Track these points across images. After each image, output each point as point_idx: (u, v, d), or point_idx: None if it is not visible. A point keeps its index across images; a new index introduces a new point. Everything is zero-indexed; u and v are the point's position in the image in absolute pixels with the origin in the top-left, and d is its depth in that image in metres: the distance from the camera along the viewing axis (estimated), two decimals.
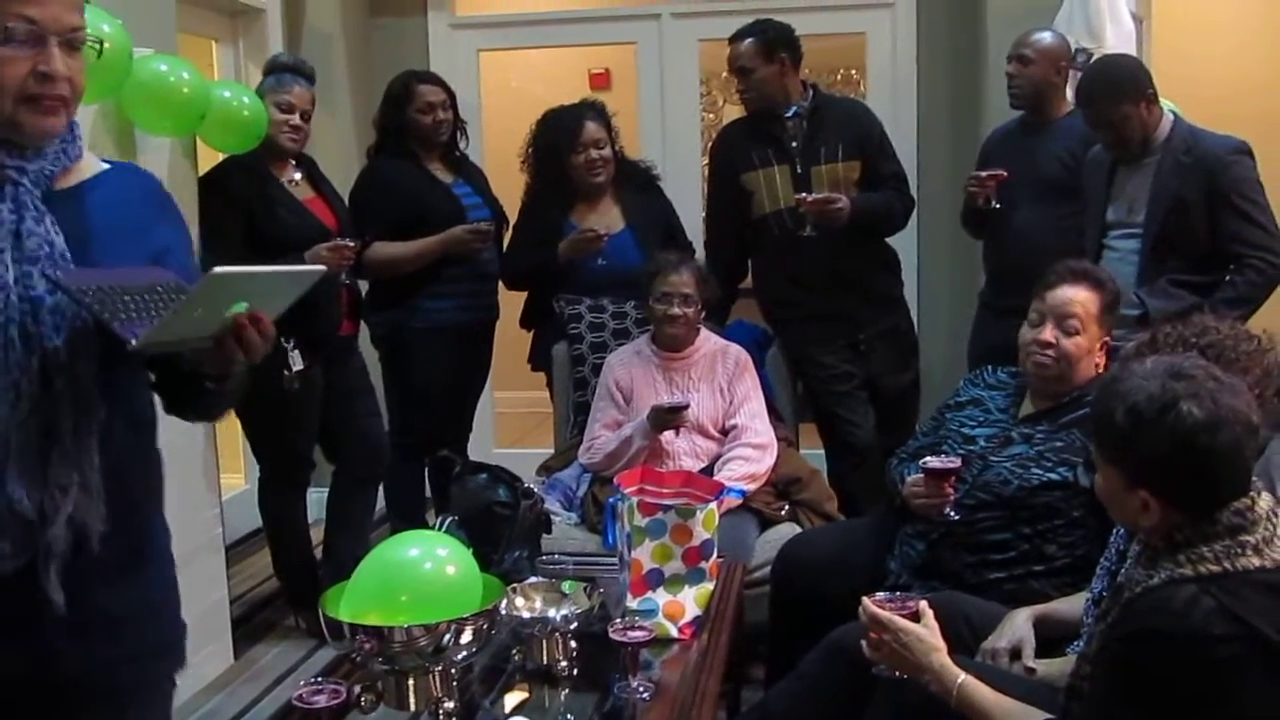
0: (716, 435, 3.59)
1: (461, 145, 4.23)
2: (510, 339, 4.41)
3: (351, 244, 3.60)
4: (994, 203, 3.84)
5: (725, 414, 3.60)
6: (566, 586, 2.53)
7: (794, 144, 3.91)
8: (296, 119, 3.66)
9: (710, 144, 4.51)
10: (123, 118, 3.19)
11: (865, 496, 3.80)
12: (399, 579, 2.15)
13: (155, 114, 3.19)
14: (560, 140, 3.97)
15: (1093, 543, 2.69)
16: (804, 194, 3.76)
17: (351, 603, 2.18)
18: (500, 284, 4.25)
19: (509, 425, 6.00)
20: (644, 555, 2.60)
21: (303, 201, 3.74)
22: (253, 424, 3.78)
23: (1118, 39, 4.22)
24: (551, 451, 4.14)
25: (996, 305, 3.91)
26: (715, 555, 2.66)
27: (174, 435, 3.25)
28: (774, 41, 3.88)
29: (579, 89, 7.10)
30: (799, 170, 3.90)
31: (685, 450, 3.55)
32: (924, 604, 2.19)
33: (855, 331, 3.97)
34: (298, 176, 3.79)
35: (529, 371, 4.29)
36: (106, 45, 2.76)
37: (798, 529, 3.44)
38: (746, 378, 3.63)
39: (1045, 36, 3.92)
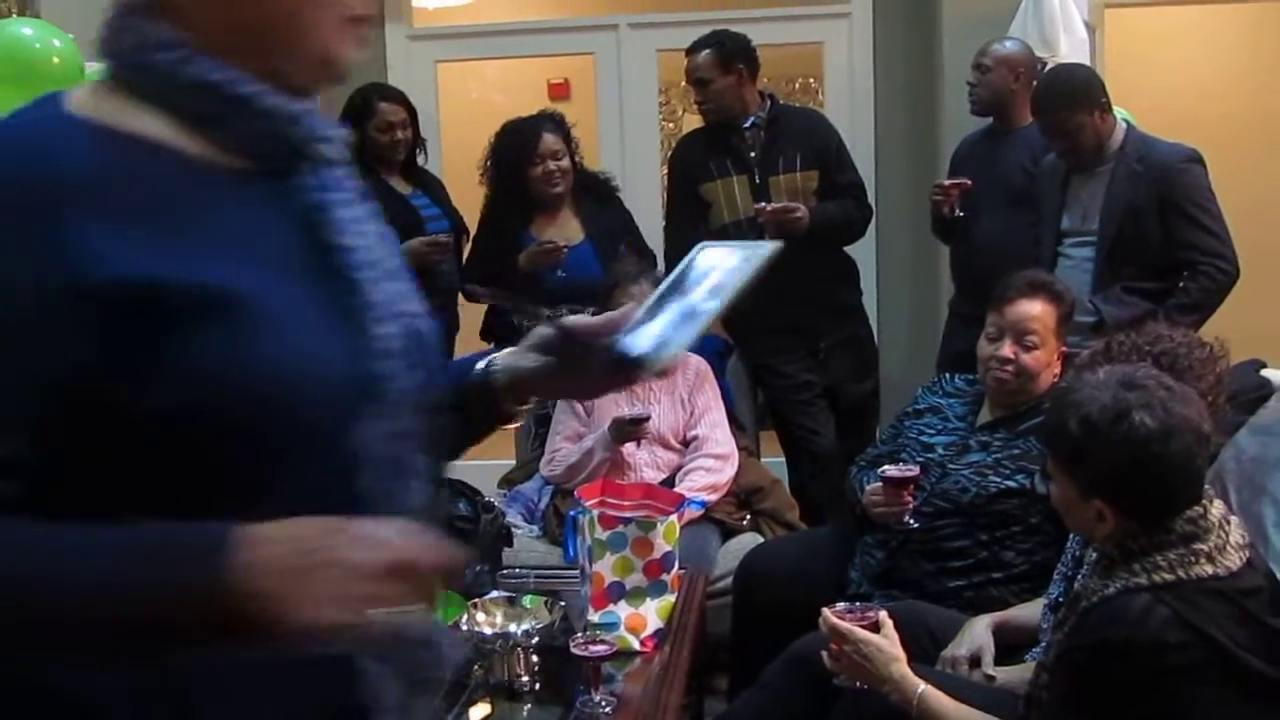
0: (677, 446, 3.59)
1: (420, 160, 4.22)
2: (468, 350, 4.39)
3: None
4: (957, 211, 3.86)
5: (686, 425, 3.60)
6: (527, 601, 2.53)
7: (752, 154, 3.93)
8: None
9: (669, 154, 4.52)
10: None
11: (827, 505, 3.81)
12: None
13: None
14: (518, 152, 3.96)
15: (1050, 549, 2.71)
16: (763, 204, 3.76)
17: None
18: (458, 297, 4.24)
19: None
20: (605, 568, 2.59)
21: None
22: None
23: (1071, 48, 4.26)
24: (512, 463, 4.13)
25: (964, 313, 3.93)
26: (677, 567, 2.66)
27: None
28: (731, 53, 3.89)
29: (538, 99, 7.09)
30: (757, 180, 3.91)
31: (646, 462, 3.55)
32: (884, 614, 2.20)
33: (815, 341, 3.99)
34: None
35: None
36: (56, 60, 2.79)
37: (760, 539, 3.44)
38: (707, 388, 3.63)
39: (1005, 45, 3.96)
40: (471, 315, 4.28)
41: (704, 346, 3.80)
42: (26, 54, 2.72)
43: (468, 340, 4.29)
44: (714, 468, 3.52)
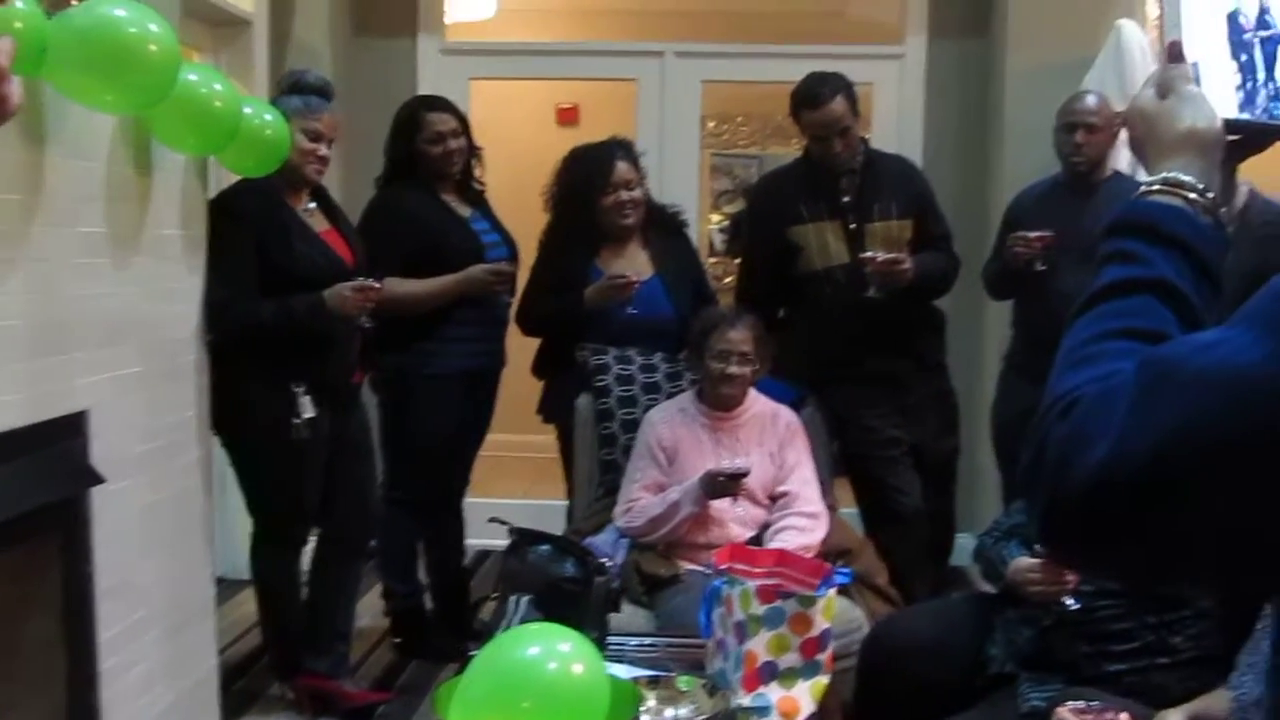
0: (765, 502, 3.36)
1: (478, 173, 3.95)
2: (517, 386, 4.12)
3: (377, 285, 3.29)
4: (1039, 265, 3.71)
5: (775, 480, 3.37)
6: (682, 683, 2.27)
7: (845, 199, 3.73)
8: (324, 148, 3.34)
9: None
10: (142, 130, 2.83)
11: (912, 568, 3.61)
12: (519, 681, 1.89)
13: (183, 128, 2.85)
14: (590, 180, 3.72)
15: (1220, 636, 2.54)
16: (871, 254, 3.57)
17: (464, 710, 1.90)
18: (507, 330, 3.97)
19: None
20: (759, 646, 2.35)
21: (319, 234, 3.41)
22: (255, 474, 3.40)
23: None
24: (564, 504, 3.88)
25: (1032, 369, 3.75)
26: (832, 646, 2.42)
27: (168, 488, 2.96)
28: (854, 95, 3.71)
29: (545, 123, 6.89)
30: (851, 226, 3.71)
31: (734, 518, 3.30)
32: (1125, 716, 1.98)
33: (904, 396, 3.79)
34: (312, 206, 3.47)
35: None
36: (153, 49, 2.48)
37: (847, 602, 3.22)
38: (798, 442, 3.41)
39: (1101, 100, 3.81)
40: (522, 347, 4.01)
41: (778, 395, 3.58)
42: (119, 41, 2.41)
43: (518, 374, 4.03)
44: (806, 527, 3.29)
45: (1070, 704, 2.04)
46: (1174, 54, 1.00)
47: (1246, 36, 1.02)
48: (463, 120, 3.91)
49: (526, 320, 3.84)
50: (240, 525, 3.88)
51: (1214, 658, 2.53)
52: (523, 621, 2.54)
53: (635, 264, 3.77)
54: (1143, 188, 0.99)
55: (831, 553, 3.35)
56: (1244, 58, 1.01)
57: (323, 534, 3.62)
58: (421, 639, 4.00)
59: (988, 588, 2.91)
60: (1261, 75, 1.02)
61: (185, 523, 3.08)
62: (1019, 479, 0.90)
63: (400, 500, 3.88)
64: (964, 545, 4.05)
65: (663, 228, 3.90)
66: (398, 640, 4.05)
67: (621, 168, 3.72)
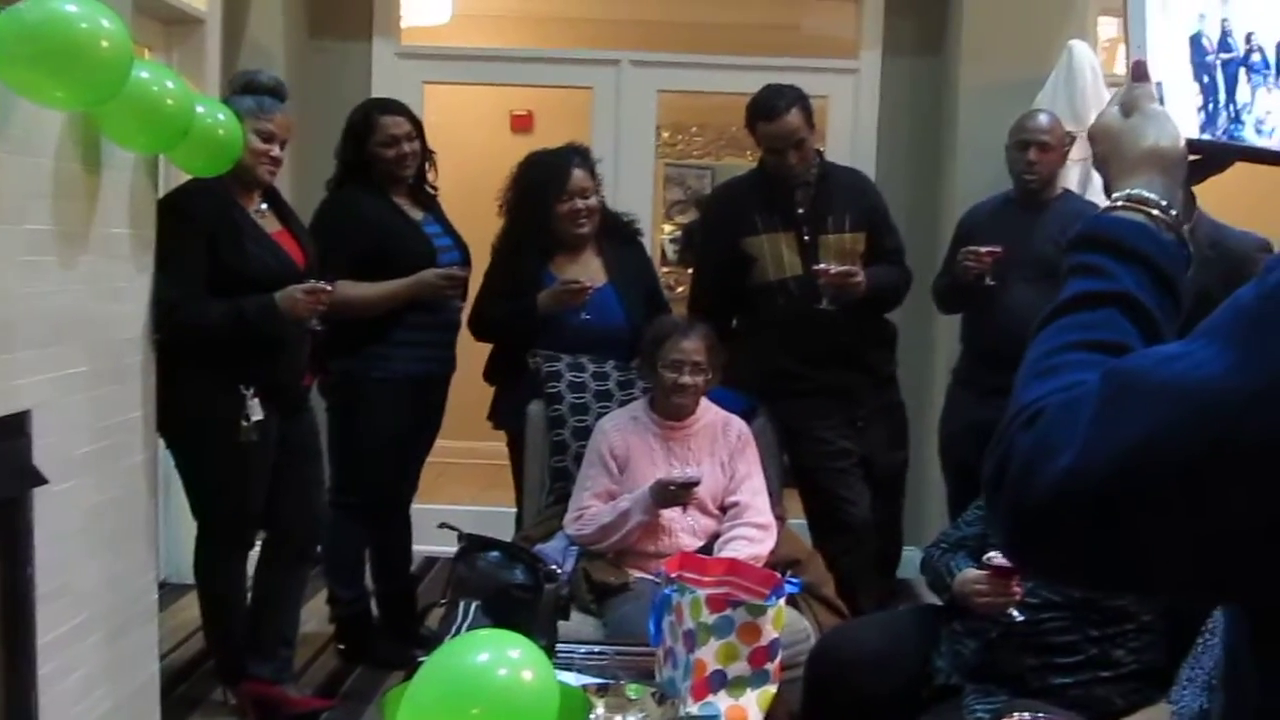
0: (715, 512, 3.36)
1: (431, 177, 3.93)
2: (467, 391, 4.11)
3: (329, 287, 3.26)
4: (989, 279, 3.74)
5: (726, 490, 3.38)
6: (632, 691, 2.27)
7: (800, 211, 3.75)
8: (277, 149, 3.31)
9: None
10: (92, 127, 2.79)
11: (860, 579, 3.63)
12: (468, 688, 1.88)
13: (133, 126, 2.81)
14: (545, 186, 3.71)
15: (1162, 650, 2.57)
16: (825, 266, 3.59)
17: (412, 716, 1.89)
18: (458, 335, 3.95)
19: None
20: (708, 655, 2.36)
21: (270, 235, 3.38)
22: (201, 476, 3.35)
23: None
24: (513, 511, 3.86)
25: (980, 383, 3.81)
26: (781, 656, 2.43)
27: (113, 490, 2.91)
28: (809, 107, 3.73)
29: (499, 129, 6.87)
30: (806, 238, 3.73)
31: (684, 527, 3.31)
32: None
33: (855, 408, 3.81)
34: (264, 207, 3.44)
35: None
36: (105, 45, 2.45)
37: (795, 613, 3.23)
38: (749, 452, 3.42)
39: (1053, 119, 3.85)
40: (472, 352, 3.99)
41: (729, 405, 3.59)
42: (70, 36, 2.38)
43: (468, 379, 4.01)
44: (756, 537, 3.30)
45: (1015, 716, 2.06)
46: (1138, 73, 1.02)
47: (1209, 59, 1.04)
48: (416, 124, 3.90)
49: (479, 325, 3.83)
50: (185, 528, 3.83)
51: (1155, 671, 2.57)
52: (471, 628, 2.53)
53: (589, 271, 3.77)
54: (1107, 203, 1.00)
55: (780, 563, 3.36)
56: (1206, 79, 1.03)
57: (268, 538, 3.58)
58: (367, 645, 3.97)
59: (935, 599, 2.93)
60: (1222, 97, 1.04)
61: (129, 525, 3.04)
62: (983, 488, 0.91)
63: (347, 505, 3.85)
64: (911, 557, 4.09)
65: (617, 236, 3.90)
66: (342, 646, 4.01)
67: (577, 175, 3.71)
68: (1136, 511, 0.78)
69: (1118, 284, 0.94)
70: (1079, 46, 4.37)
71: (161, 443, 3.30)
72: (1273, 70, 1.05)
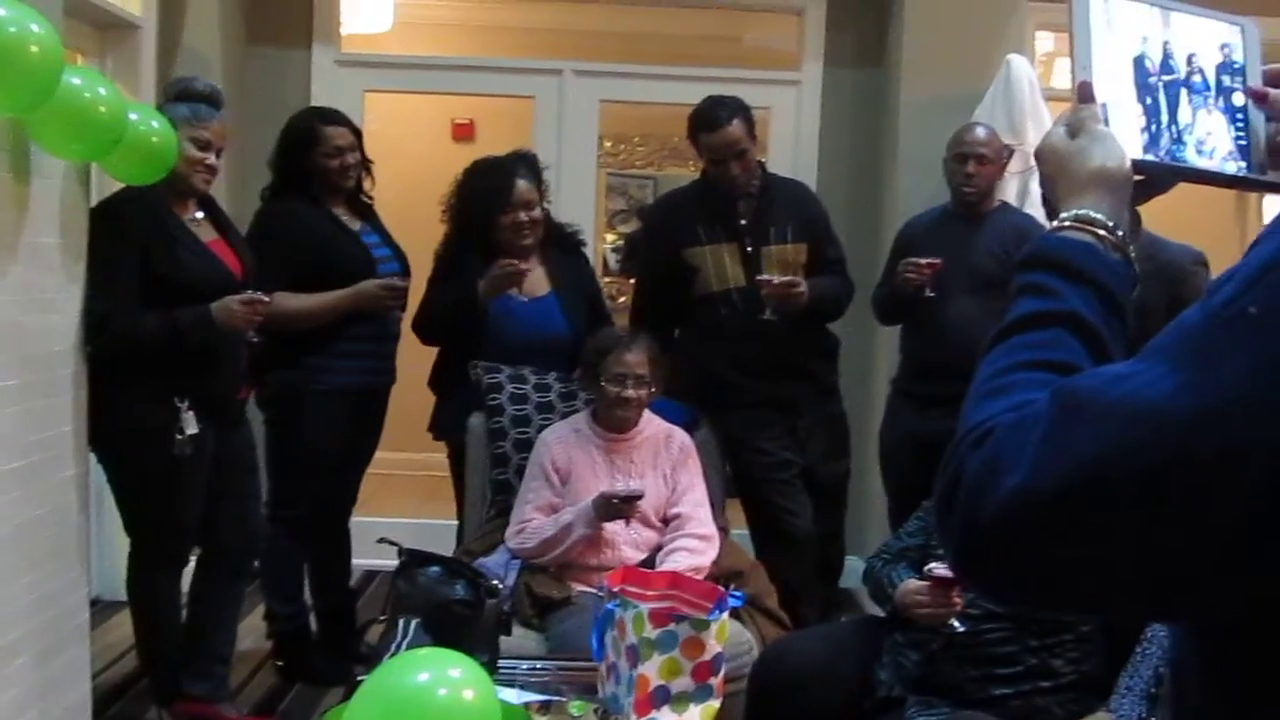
0: (657, 525, 3.35)
1: (368, 186, 3.89)
2: (409, 401, 4.07)
3: (266, 298, 3.21)
4: (928, 291, 3.77)
5: (668, 502, 3.37)
6: (574, 708, 2.25)
7: (743, 222, 3.75)
8: (213, 158, 3.26)
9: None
10: (21, 134, 2.73)
11: (802, 590, 3.64)
12: (408, 708, 1.86)
13: (65, 133, 2.75)
14: (489, 197, 3.68)
15: (1100, 659, 2.60)
16: (767, 277, 3.59)
17: None
18: (398, 346, 3.91)
19: None
20: (651, 671, 2.34)
21: (206, 244, 3.33)
22: (134, 491, 3.29)
23: (1038, 135, 4.24)
24: (454, 524, 3.83)
25: (919, 394, 3.83)
26: (724, 670, 2.42)
27: (43, 505, 2.85)
28: (750, 118, 3.73)
29: (440, 138, 6.83)
30: (748, 249, 3.73)
31: (626, 540, 3.29)
32: None
33: (797, 418, 3.82)
34: (199, 216, 3.38)
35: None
36: (34, 49, 2.40)
37: (738, 625, 3.23)
38: (690, 464, 3.41)
39: (991, 133, 3.89)
40: (412, 363, 3.95)
41: (671, 417, 3.59)
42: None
43: (409, 390, 3.97)
44: (697, 548, 3.29)
45: None
46: (1084, 95, 1.03)
47: (1151, 80, 1.04)
48: (358, 134, 3.86)
49: (425, 323, 3.78)
50: (118, 545, 3.76)
51: (1094, 680, 2.60)
52: (412, 645, 2.50)
53: (532, 280, 3.75)
54: (1055, 223, 1.01)
55: (723, 575, 3.35)
56: (1149, 101, 1.04)
57: (203, 553, 3.51)
58: (305, 662, 3.91)
59: (877, 610, 2.94)
60: (1165, 118, 1.04)
61: (60, 542, 2.97)
62: (935, 508, 0.90)
63: (285, 519, 3.80)
64: (853, 567, 4.10)
65: (561, 246, 3.88)
66: (280, 663, 3.94)
67: (522, 187, 3.68)
68: (1086, 530, 0.79)
69: (1066, 304, 0.94)
70: (1017, 61, 4.42)
71: (93, 457, 3.24)
72: (1213, 91, 1.06)
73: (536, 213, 3.71)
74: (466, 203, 3.73)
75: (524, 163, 3.76)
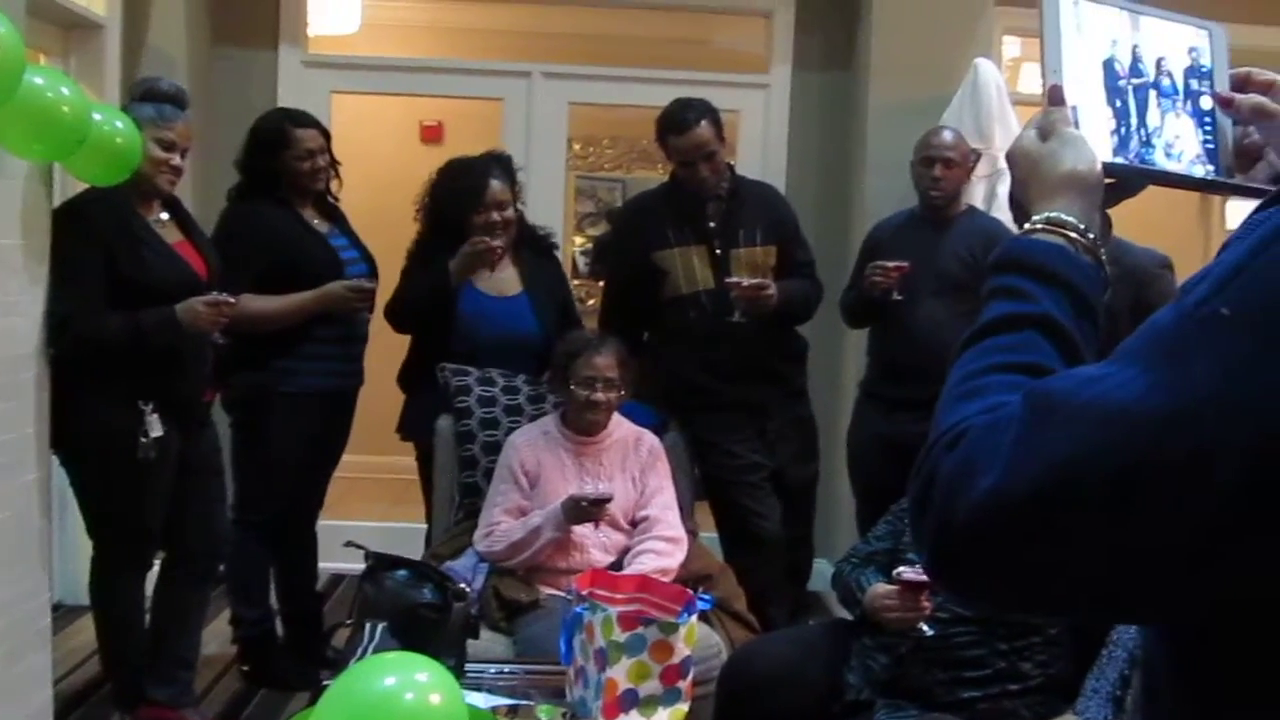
0: (626, 528, 3.34)
1: (335, 188, 3.87)
2: (377, 401, 4.04)
3: (232, 300, 3.19)
4: (896, 294, 3.78)
5: (637, 505, 3.36)
6: (543, 712, 2.24)
7: (712, 224, 3.75)
8: (178, 158, 3.23)
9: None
10: None
11: (771, 593, 3.64)
12: (375, 713, 1.84)
13: (27, 133, 2.72)
14: (462, 198, 3.66)
15: (1067, 662, 2.61)
16: (737, 279, 3.59)
17: None
18: (366, 348, 3.89)
19: None
20: (620, 674, 2.33)
21: (171, 245, 3.30)
22: (98, 494, 3.25)
23: (1004, 140, 4.28)
24: (423, 527, 3.80)
25: (887, 397, 3.84)
26: (693, 673, 2.41)
27: (4, 509, 2.81)
28: (719, 120, 3.73)
29: (409, 140, 6.80)
30: (717, 252, 3.73)
31: (595, 543, 3.28)
32: None
33: (766, 421, 3.82)
34: (164, 217, 3.35)
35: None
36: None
37: (707, 628, 3.22)
38: (660, 467, 3.41)
39: (958, 136, 3.91)
40: (380, 365, 3.93)
41: (640, 420, 3.58)
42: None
43: (377, 393, 3.95)
44: (665, 551, 3.28)
45: None
46: (1055, 98, 1.03)
47: (1120, 83, 1.05)
48: (327, 136, 3.84)
49: (398, 310, 3.74)
50: (80, 549, 3.72)
51: (1061, 683, 2.61)
52: (379, 649, 2.48)
53: (505, 279, 3.75)
54: (1026, 226, 1.01)
55: (692, 578, 3.35)
56: (1118, 104, 1.04)
57: (168, 557, 3.48)
58: (271, 667, 3.87)
59: (845, 614, 2.94)
60: (1134, 121, 1.05)
61: (21, 546, 2.93)
62: (909, 511, 0.90)
63: (251, 522, 3.76)
64: (822, 570, 4.10)
65: (534, 247, 3.88)
66: (246, 668, 3.91)
67: (495, 187, 3.67)
68: (1058, 531, 0.79)
69: (1038, 306, 0.95)
70: (984, 65, 4.44)
71: (56, 460, 3.20)
72: (1181, 95, 1.06)
73: (509, 213, 3.70)
74: (439, 202, 3.71)
75: (498, 163, 3.75)
